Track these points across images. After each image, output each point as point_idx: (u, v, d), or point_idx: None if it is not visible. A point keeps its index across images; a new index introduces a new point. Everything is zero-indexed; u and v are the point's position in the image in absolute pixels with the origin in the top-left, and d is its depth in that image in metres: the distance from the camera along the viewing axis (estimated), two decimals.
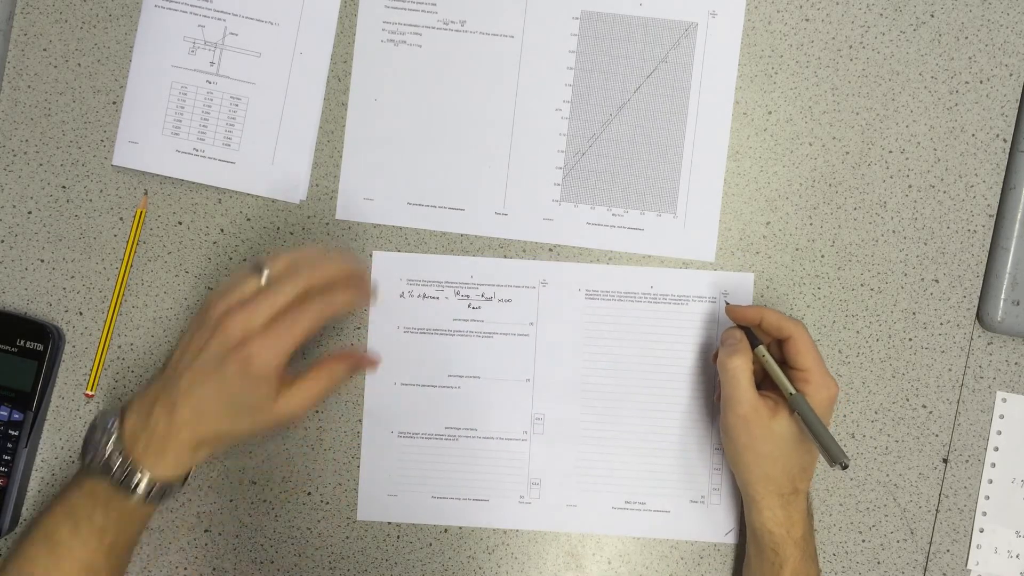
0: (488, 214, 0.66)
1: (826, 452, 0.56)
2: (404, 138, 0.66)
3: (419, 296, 0.66)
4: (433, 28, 0.67)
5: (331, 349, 0.66)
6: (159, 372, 0.57)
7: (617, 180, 0.67)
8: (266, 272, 0.55)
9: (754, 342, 0.60)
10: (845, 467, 0.55)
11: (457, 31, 0.67)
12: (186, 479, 0.58)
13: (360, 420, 0.66)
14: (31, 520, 0.61)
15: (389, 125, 0.66)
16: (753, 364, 0.59)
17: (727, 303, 0.65)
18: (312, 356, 0.65)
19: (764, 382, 0.61)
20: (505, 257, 0.66)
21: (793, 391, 0.58)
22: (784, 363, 0.60)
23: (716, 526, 0.66)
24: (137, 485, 0.54)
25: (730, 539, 0.66)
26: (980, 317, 0.66)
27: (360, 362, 0.60)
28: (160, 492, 0.55)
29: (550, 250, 0.66)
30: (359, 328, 0.66)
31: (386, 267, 0.66)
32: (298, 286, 0.55)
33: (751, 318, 0.61)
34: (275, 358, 0.53)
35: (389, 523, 0.66)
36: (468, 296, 0.66)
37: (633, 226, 0.67)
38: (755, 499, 0.60)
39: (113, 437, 0.55)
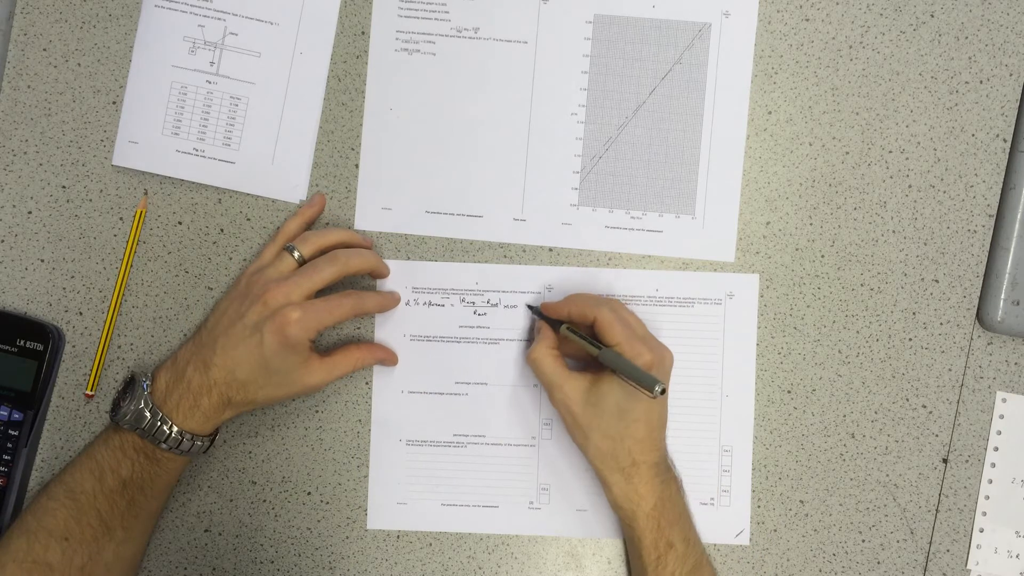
0: (507, 220, 0.66)
1: (640, 385, 0.56)
2: (420, 147, 0.66)
3: (425, 304, 0.66)
4: (447, 36, 0.66)
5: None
6: (189, 339, 0.62)
7: (634, 183, 0.67)
8: (298, 254, 0.61)
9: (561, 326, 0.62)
10: (663, 392, 0.55)
11: (471, 38, 0.66)
12: (212, 440, 0.61)
13: (360, 420, 0.66)
14: (52, 478, 0.62)
15: (405, 134, 0.66)
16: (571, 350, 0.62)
17: (542, 303, 0.64)
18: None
19: (591, 367, 0.61)
20: (510, 263, 0.66)
21: (598, 350, 0.59)
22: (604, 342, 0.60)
23: (727, 527, 0.66)
24: (168, 436, 0.58)
25: (742, 540, 0.66)
26: (980, 317, 0.66)
27: (385, 358, 0.65)
28: (189, 444, 0.59)
29: (553, 251, 0.66)
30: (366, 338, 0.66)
31: (391, 275, 0.66)
32: (336, 270, 0.60)
33: (560, 314, 0.62)
34: (309, 330, 0.58)
35: None
36: (474, 303, 0.66)
37: (652, 228, 0.67)
38: (601, 477, 0.61)
39: (146, 394, 0.59)
